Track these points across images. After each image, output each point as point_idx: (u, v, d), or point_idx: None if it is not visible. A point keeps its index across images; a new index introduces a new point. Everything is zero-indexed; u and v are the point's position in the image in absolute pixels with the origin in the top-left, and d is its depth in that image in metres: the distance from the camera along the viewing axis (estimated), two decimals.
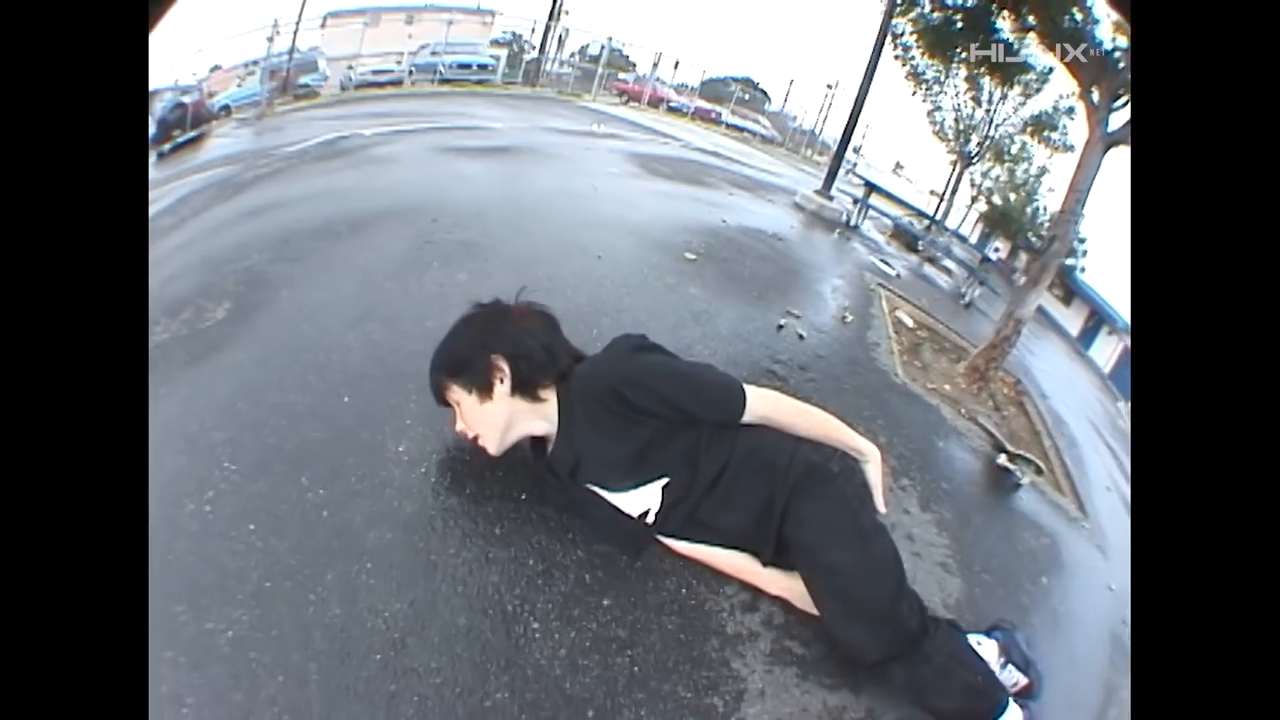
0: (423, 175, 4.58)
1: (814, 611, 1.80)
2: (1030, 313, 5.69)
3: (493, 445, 1.81)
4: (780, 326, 3.79)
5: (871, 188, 9.89)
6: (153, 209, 4.05)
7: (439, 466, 1.94)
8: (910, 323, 6.07)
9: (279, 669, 1.41)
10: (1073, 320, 17.23)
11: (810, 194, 9.05)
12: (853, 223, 9.39)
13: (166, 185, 4.53)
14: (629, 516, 1.81)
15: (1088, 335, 16.93)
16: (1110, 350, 16.21)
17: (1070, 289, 17.43)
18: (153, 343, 2.29)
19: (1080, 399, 9.85)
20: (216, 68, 6.89)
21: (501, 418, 1.78)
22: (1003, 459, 3.85)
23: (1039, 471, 3.97)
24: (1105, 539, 4.17)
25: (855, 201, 9.50)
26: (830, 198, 9.15)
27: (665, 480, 1.77)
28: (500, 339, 1.78)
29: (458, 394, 1.79)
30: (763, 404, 1.80)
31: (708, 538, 1.87)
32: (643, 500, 1.80)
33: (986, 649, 1.93)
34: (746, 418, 1.77)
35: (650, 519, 1.81)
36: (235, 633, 1.45)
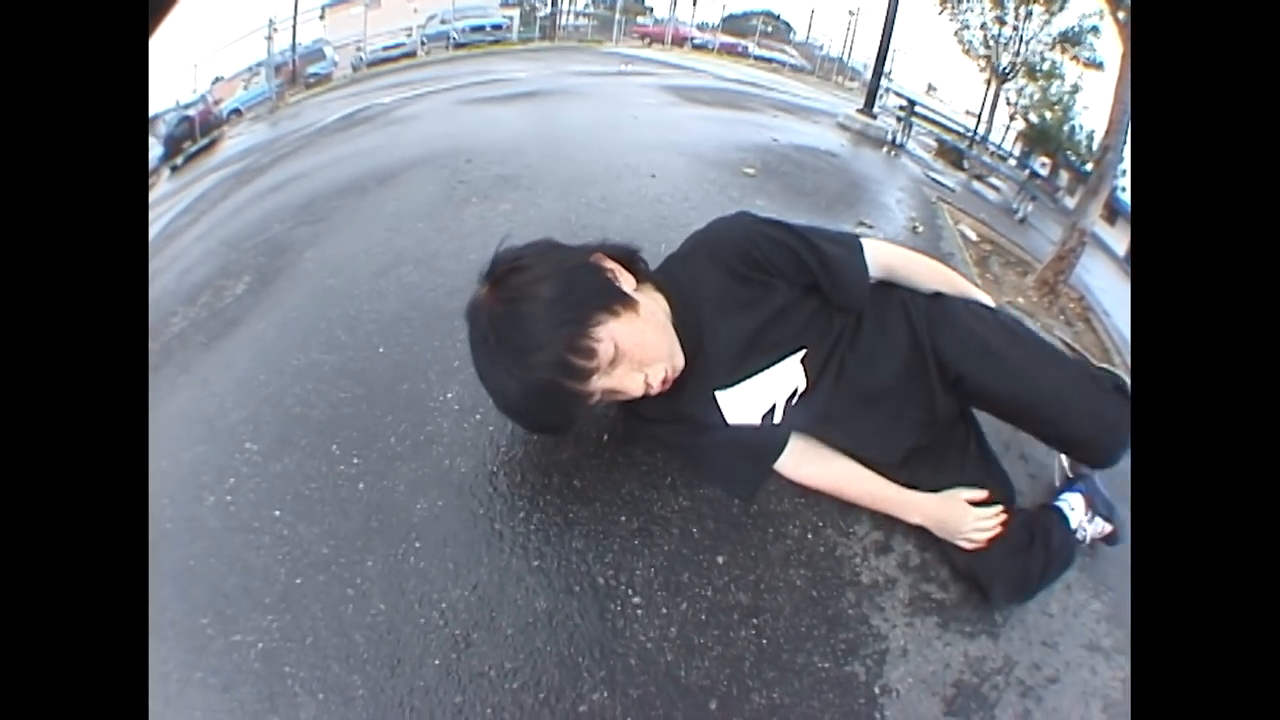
0: (450, 126, 4.27)
1: (951, 538, 1.57)
2: (1093, 222, 5.75)
3: (673, 356, 1.38)
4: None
5: (913, 106, 9.68)
6: (170, 213, 3.95)
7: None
8: (974, 236, 5.98)
9: (318, 685, 1.17)
10: (1118, 239, 16.88)
11: (853, 114, 8.79)
12: (899, 141, 9.14)
13: (183, 191, 4.46)
14: (754, 429, 1.46)
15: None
16: None
17: (1114, 209, 17.07)
18: (170, 333, 2.10)
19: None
20: (219, 79, 6.70)
21: (658, 313, 1.39)
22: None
23: (1121, 382, 3.89)
24: None
25: (899, 119, 9.21)
26: (874, 116, 8.87)
27: (803, 351, 1.47)
28: (570, 248, 1.40)
29: (609, 329, 1.27)
30: (883, 254, 1.58)
31: (859, 420, 1.54)
32: (783, 382, 1.47)
33: (1075, 504, 1.76)
34: (871, 271, 1.53)
35: (794, 402, 1.48)
36: (265, 644, 1.22)
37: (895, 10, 9.03)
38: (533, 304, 1.23)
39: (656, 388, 1.32)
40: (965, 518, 1.53)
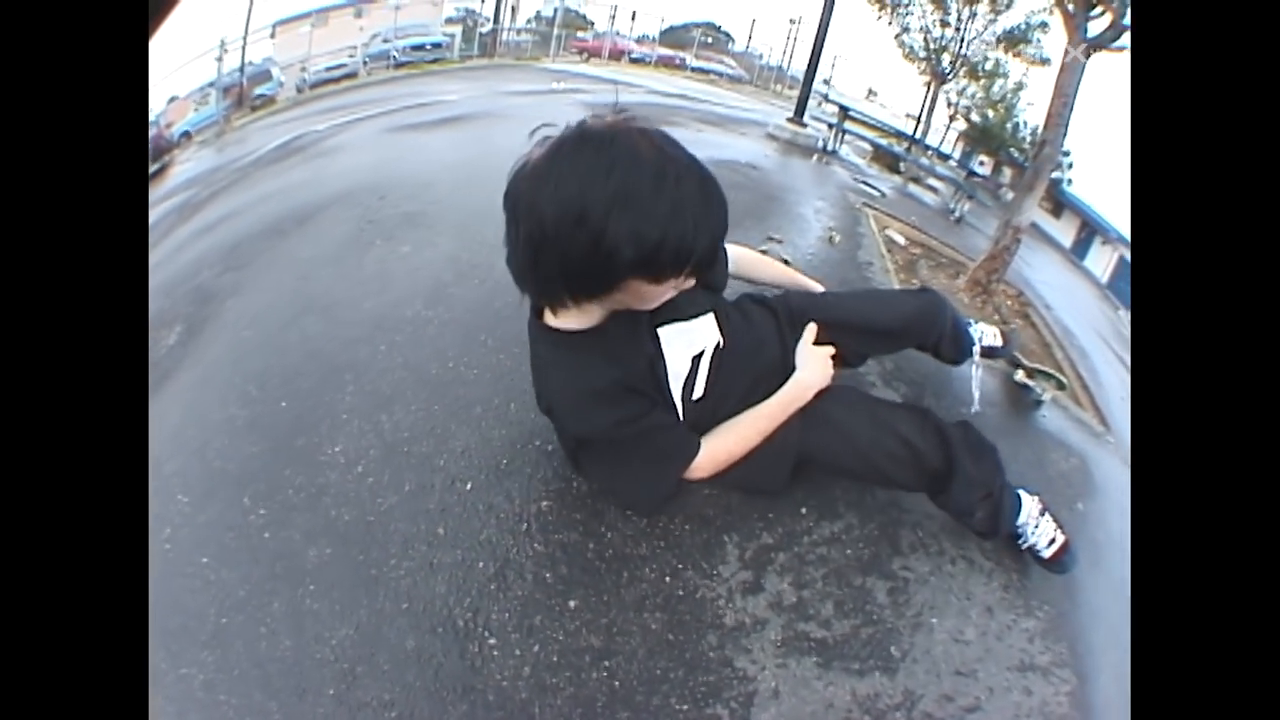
0: (372, 157, 4.39)
1: (826, 381, 1.70)
2: (1028, 220, 5.65)
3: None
4: (763, 252, 3.60)
5: (846, 112, 9.77)
6: None
7: (377, 462, 1.73)
8: (902, 240, 5.94)
9: (246, 711, 1.34)
10: (1064, 232, 17.15)
11: (783, 123, 8.92)
12: (830, 148, 9.24)
13: None
14: (673, 429, 1.54)
15: (1081, 246, 16.87)
16: (1106, 260, 16.14)
17: (1059, 201, 17.35)
18: None
19: (1082, 309, 9.55)
20: (174, 98, 6.65)
21: None
22: (1020, 375, 3.57)
23: (1060, 386, 3.76)
24: (1129, 452, 3.91)
25: (831, 126, 9.37)
26: (804, 125, 9.03)
27: (713, 312, 1.66)
28: None
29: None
30: (736, 251, 1.91)
31: (747, 395, 1.68)
32: (706, 332, 1.63)
33: (1031, 504, 1.98)
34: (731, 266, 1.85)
35: (714, 360, 1.62)
36: (205, 676, 1.38)
37: (829, 18, 9.27)
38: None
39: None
40: (819, 357, 1.72)
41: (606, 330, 1.43)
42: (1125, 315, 13.64)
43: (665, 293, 1.35)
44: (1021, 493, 1.95)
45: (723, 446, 1.56)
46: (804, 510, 1.85)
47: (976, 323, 2.57)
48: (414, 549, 1.54)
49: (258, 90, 8.90)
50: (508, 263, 1.37)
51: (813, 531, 1.81)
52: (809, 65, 9.68)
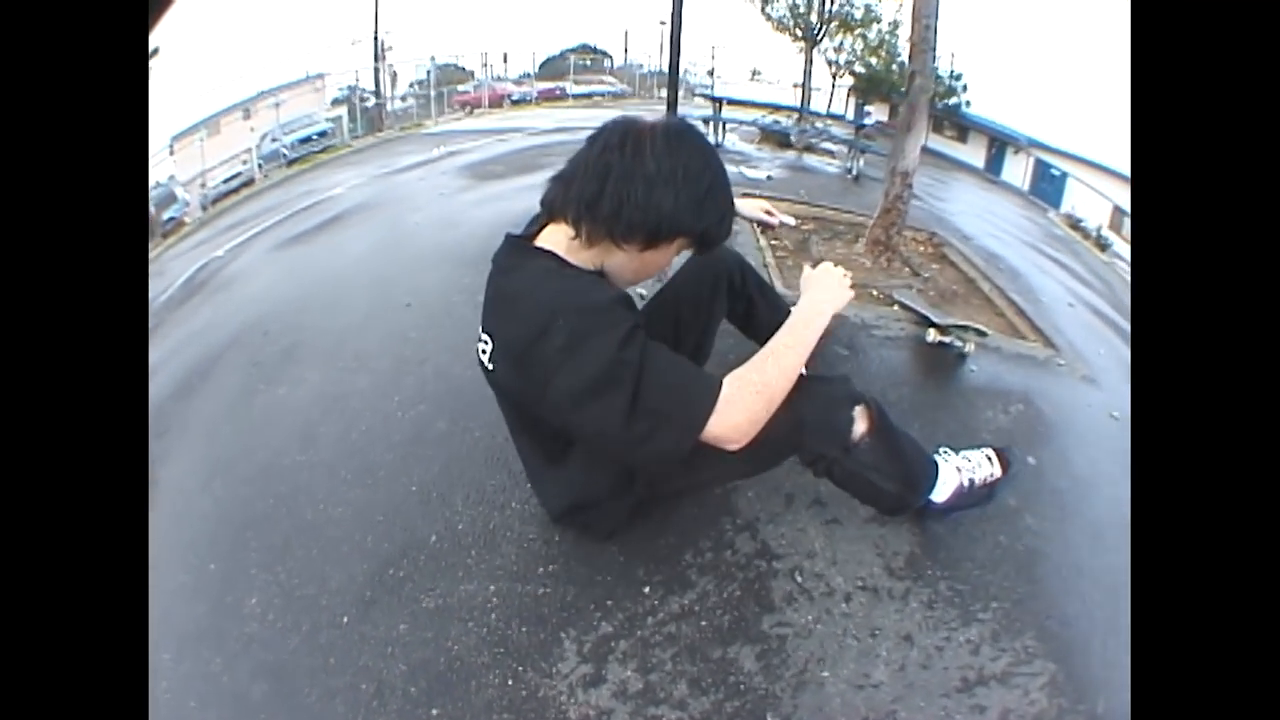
0: (259, 285, 4.54)
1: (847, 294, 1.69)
2: (913, 162, 5.15)
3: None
4: None
5: (719, 101, 9.78)
6: None
7: (280, 610, 1.86)
8: (792, 221, 5.47)
9: None
10: (974, 154, 17.51)
11: None
12: (712, 143, 9.29)
13: None
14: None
15: (994, 162, 17.24)
16: (1022, 167, 16.49)
17: (962, 125, 17.72)
18: None
19: (1008, 225, 9.70)
20: None
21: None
22: (933, 335, 3.42)
23: (981, 334, 3.47)
24: (1088, 364, 3.76)
25: (706, 121, 9.34)
26: None
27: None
28: None
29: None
30: None
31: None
32: None
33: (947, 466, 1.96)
34: None
35: None
36: None
37: (680, 15, 8.99)
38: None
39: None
40: (833, 274, 1.70)
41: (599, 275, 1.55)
42: (1055, 214, 13.87)
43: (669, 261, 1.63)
44: (940, 458, 1.93)
45: (751, 383, 1.41)
46: (647, 589, 1.81)
47: None
48: (317, 679, 1.67)
49: (166, 215, 9.05)
50: (582, 180, 1.48)
51: (658, 610, 1.76)
52: (670, 66, 9.37)
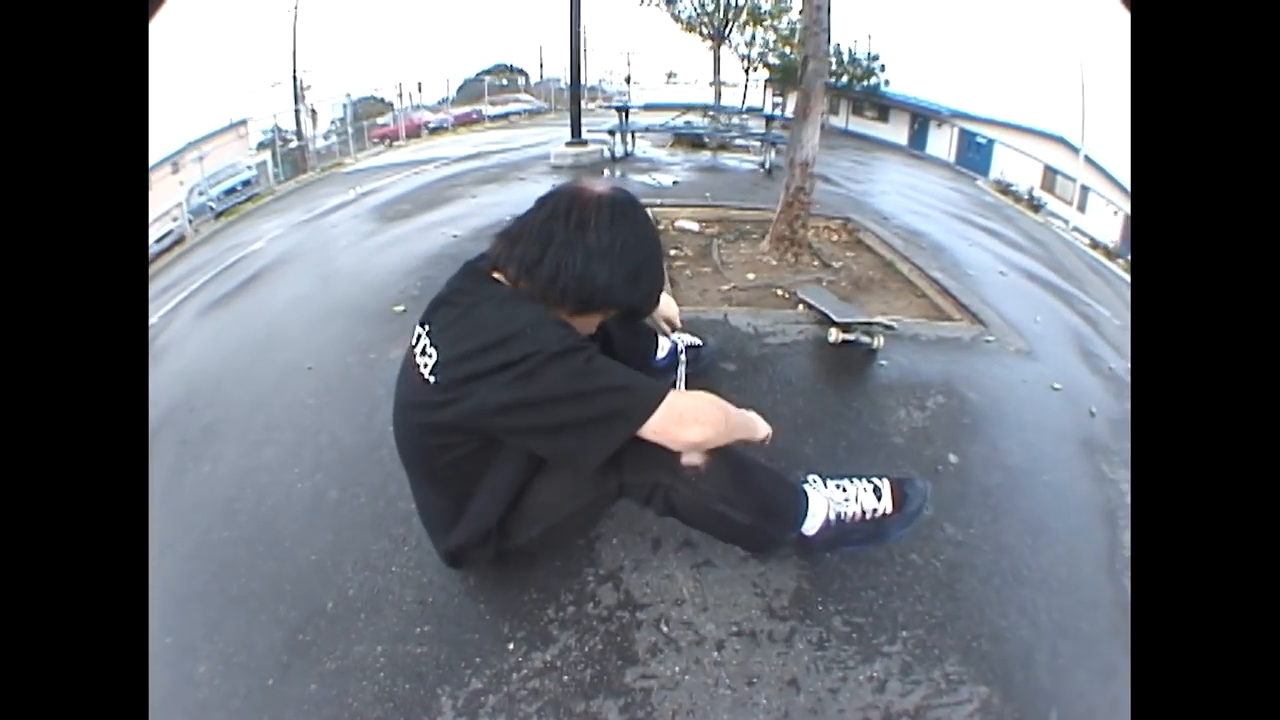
0: (187, 360, 4.58)
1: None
2: (812, 151, 5.08)
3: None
4: None
5: (622, 110, 9.84)
6: None
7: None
8: (695, 226, 5.78)
9: None
10: (897, 131, 17.71)
11: (562, 149, 8.99)
12: (619, 154, 9.40)
13: None
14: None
15: (918, 138, 17.43)
16: (946, 139, 16.72)
17: (882, 105, 17.90)
18: None
19: (933, 199, 9.78)
20: None
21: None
22: (835, 335, 3.35)
23: (888, 327, 3.40)
24: (1023, 336, 3.71)
25: (611, 132, 9.44)
26: (584, 143, 9.09)
27: None
28: None
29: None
30: None
31: None
32: None
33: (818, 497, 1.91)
34: None
35: None
36: None
37: (578, 29, 9.12)
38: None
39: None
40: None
41: None
42: (984, 181, 14.18)
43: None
44: (809, 487, 1.90)
45: (705, 409, 1.63)
46: (511, 646, 1.86)
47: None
48: None
49: None
50: (524, 244, 1.63)
51: (522, 667, 1.81)
52: (572, 85, 9.51)
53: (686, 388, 2.29)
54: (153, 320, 5.79)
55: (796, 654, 1.80)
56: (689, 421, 1.55)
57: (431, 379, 1.55)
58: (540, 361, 1.45)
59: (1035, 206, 13.39)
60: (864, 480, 1.95)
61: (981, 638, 1.87)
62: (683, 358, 2.63)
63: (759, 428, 1.81)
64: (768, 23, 14.93)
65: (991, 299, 4.26)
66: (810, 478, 1.94)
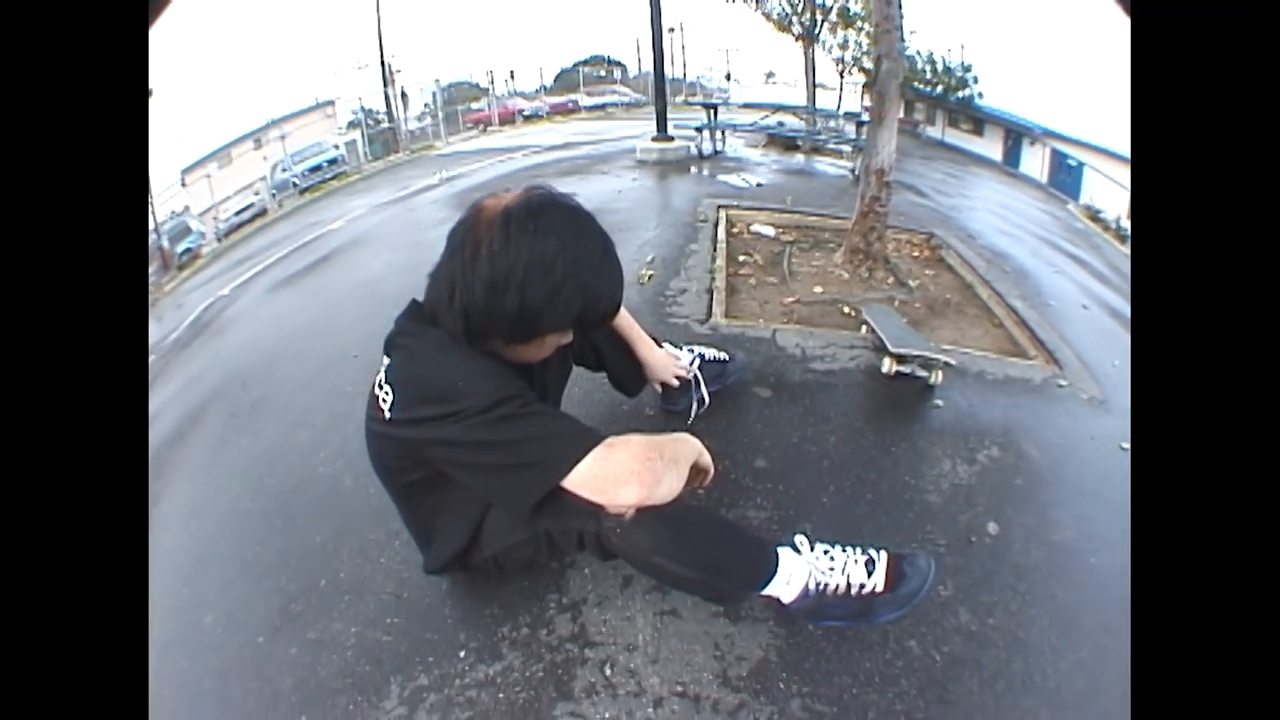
0: (248, 334, 4.84)
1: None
2: (889, 158, 4.84)
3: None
4: None
5: (711, 108, 9.73)
6: None
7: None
8: (770, 232, 5.57)
9: None
10: (992, 146, 17.22)
11: (648, 144, 8.91)
12: (705, 151, 9.31)
13: None
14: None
15: (1012, 154, 16.93)
16: (1039, 159, 16.20)
17: (977, 119, 17.46)
18: None
19: (1023, 219, 9.46)
20: None
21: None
22: (888, 365, 3.07)
23: (948, 363, 3.08)
24: (1099, 382, 3.42)
25: (699, 129, 9.38)
26: (670, 139, 8.99)
27: None
28: None
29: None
30: None
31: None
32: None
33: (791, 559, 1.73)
34: None
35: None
36: None
37: (659, 24, 9.09)
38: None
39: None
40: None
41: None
42: (1074, 206, 13.82)
43: (558, 344, 1.69)
44: (789, 550, 1.72)
45: (652, 455, 1.50)
46: (463, 653, 1.89)
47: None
48: (241, 682, 1.96)
49: (180, 247, 9.47)
50: (436, 287, 1.58)
51: (466, 674, 1.83)
52: (656, 79, 9.42)
53: (709, 409, 2.34)
54: (224, 291, 6.15)
55: None
56: (622, 481, 1.46)
57: (388, 415, 1.54)
58: (472, 414, 1.43)
59: (1123, 237, 13.02)
60: (858, 550, 1.75)
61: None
62: (698, 375, 2.50)
63: (706, 477, 1.70)
64: (859, 25, 14.67)
65: (1070, 335, 4.04)
66: (798, 538, 1.73)
